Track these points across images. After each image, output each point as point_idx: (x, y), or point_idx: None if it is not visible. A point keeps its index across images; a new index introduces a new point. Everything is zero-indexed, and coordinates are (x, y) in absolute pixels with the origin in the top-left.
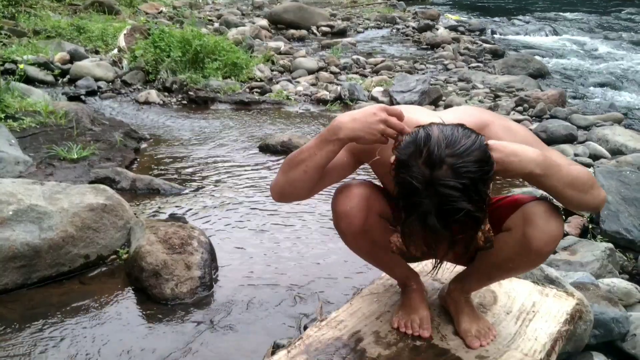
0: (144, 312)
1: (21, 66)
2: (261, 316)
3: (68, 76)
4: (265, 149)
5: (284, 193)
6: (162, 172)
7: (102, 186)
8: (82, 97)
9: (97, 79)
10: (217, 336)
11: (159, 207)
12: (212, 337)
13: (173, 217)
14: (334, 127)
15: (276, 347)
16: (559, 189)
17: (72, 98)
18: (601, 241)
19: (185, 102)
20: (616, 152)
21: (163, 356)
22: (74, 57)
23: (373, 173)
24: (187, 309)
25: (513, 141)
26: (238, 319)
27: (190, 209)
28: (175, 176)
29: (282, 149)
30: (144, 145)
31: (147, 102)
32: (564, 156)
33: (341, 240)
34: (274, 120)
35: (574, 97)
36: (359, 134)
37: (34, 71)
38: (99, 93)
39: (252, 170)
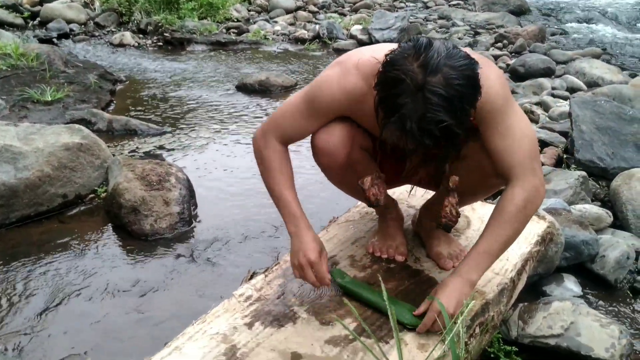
0: (124, 248)
1: None
2: (240, 249)
3: (38, 19)
4: (242, 88)
5: None
6: (139, 113)
7: (77, 126)
8: (54, 40)
9: (68, 22)
10: (196, 268)
11: (137, 147)
12: (191, 269)
13: (150, 155)
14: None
15: (254, 274)
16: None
17: (43, 41)
18: (575, 170)
19: (160, 44)
20: (593, 84)
21: (144, 288)
22: None
23: None
24: (167, 244)
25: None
26: (217, 252)
27: (168, 148)
28: (153, 117)
29: (260, 88)
30: (120, 87)
31: (121, 45)
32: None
33: (319, 171)
34: (252, 60)
35: (554, 34)
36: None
37: (2, 14)
38: (71, 36)
39: (229, 109)
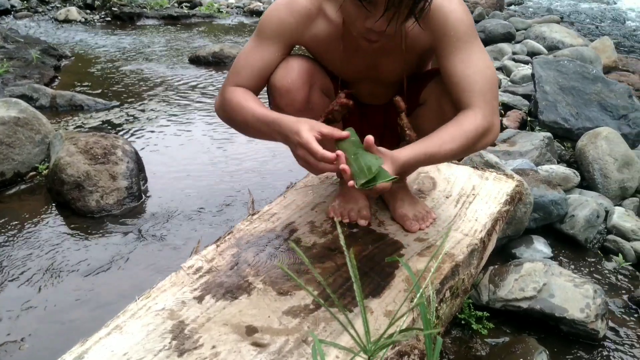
0: (68, 226)
1: None
2: (193, 223)
3: None
4: (195, 61)
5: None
6: (86, 88)
7: (14, 99)
8: None
9: None
10: (146, 244)
11: (83, 123)
12: (140, 245)
13: (96, 129)
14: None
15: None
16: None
17: None
18: (539, 132)
19: (109, 19)
20: (553, 48)
21: (89, 268)
22: None
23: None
24: (115, 220)
25: None
26: (168, 227)
27: (117, 123)
28: (100, 91)
29: (213, 60)
30: (65, 62)
31: (67, 21)
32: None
33: (272, 143)
34: (205, 34)
35: (511, 3)
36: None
37: None
38: (12, 12)
39: (182, 82)
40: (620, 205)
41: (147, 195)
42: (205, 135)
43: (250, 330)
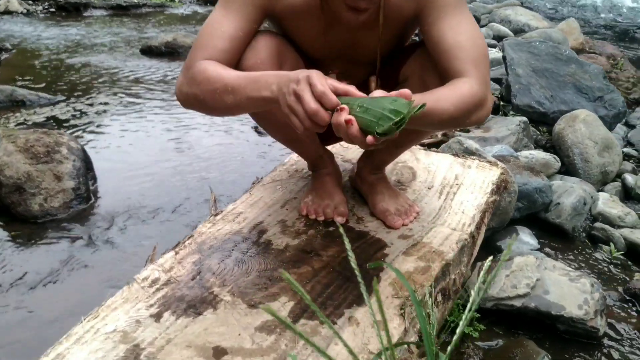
0: (9, 234)
1: None
2: (148, 227)
3: None
4: (147, 51)
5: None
6: (28, 82)
7: None
8: None
9: None
10: (96, 251)
11: (25, 119)
12: (91, 253)
13: (38, 125)
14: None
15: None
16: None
17: None
18: (514, 116)
19: (53, 9)
20: (519, 31)
21: (32, 280)
22: None
23: None
24: (60, 226)
25: None
26: (121, 232)
27: (62, 119)
28: (44, 85)
29: (166, 50)
30: (5, 56)
31: (7, 12)
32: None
33: (233, 134)
34: (157, 24)
35: None
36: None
37: None
38: None
39: (133, 74)
40: (602, 190)
41: (97, 196)
42: (160, 128)
43: (219, 352)
